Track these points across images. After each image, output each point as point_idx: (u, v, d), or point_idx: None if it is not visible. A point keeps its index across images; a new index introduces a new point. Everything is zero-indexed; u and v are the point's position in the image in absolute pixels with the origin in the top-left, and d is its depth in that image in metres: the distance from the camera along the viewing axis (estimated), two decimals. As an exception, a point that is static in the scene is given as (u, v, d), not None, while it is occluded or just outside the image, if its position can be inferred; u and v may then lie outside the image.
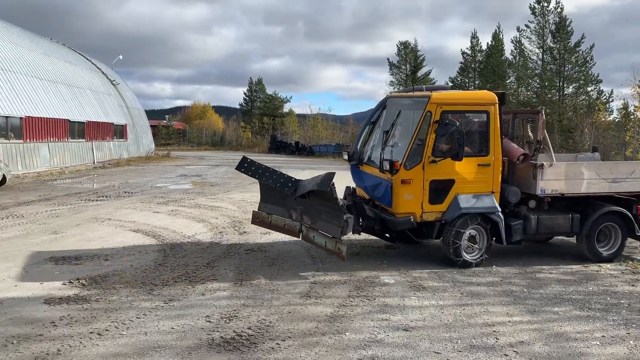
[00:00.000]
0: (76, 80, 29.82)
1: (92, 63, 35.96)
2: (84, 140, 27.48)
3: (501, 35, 44.95)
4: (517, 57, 42.13)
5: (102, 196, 14.77)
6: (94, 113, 29.52)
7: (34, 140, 22.71)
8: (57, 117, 24.86)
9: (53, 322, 5.18)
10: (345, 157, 8.82)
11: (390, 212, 7.63)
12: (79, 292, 6.17)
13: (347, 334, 5.14)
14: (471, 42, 47.50)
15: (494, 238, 7.82)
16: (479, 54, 47.23)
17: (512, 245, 8.13)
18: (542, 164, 7.88)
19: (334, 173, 6.80)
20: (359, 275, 7.20)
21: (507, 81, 42.75)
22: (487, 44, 46.56)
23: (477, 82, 45.98)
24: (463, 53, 47.68)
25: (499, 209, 7.65)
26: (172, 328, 5.15)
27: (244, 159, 7.94)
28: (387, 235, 8.38)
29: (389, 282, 6.96)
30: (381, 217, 7.68)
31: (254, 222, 8.54)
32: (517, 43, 41.49)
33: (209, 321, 5.34)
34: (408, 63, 50.29)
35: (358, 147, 8.79)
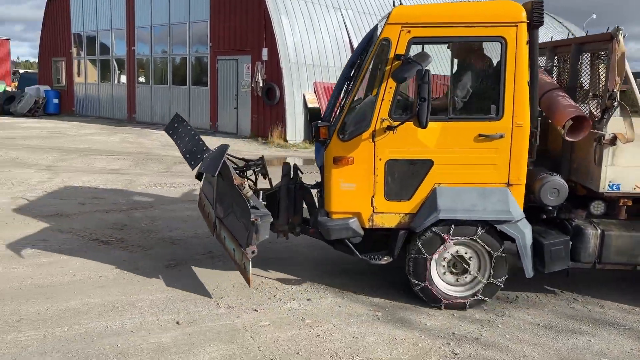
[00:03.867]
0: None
1: (563, 25, 35.32)
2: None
3: None
4: None
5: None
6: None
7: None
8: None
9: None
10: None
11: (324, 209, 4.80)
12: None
13: None
14: None
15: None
16: None
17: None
18: (614, 137, 4.41)
19: (227, 147, 4.74)
20: None
21: None
22: None
23: None
24: None
25: (520, 216, 4.47)
26: (633, 310, 4.81)
27: (176, 116, 5.81)
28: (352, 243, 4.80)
29: None
30: (316, 215, 4.93)
31: (199, 205, 6.19)
32: None
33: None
34: None
35: (332, 106, 5.40)
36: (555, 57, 5.69)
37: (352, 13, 18.84)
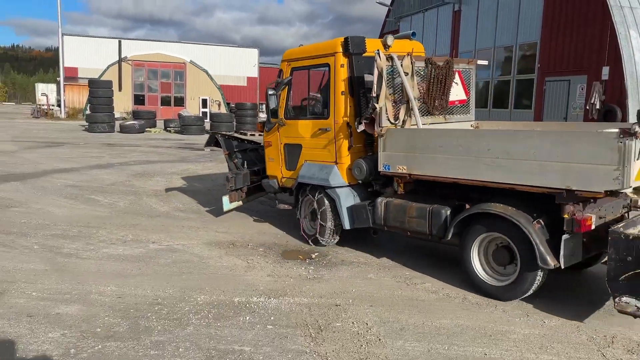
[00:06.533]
0: None
1: None
2: None
3: None
4: None
5: None
6: None
7: None
8: None
9: None
10: None
11: None
12: None
13: None
14: None
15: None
16: None
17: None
18: (381, 130, 5.89)
19: (217, 132, 8.98)
20: None
21: None
22: None
23: None
24: None
25: (339, 184, 6.45)
26: None
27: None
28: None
29: None
30: None
31: None
32: None
33: None
34: None
35: None
36: None
37: None
